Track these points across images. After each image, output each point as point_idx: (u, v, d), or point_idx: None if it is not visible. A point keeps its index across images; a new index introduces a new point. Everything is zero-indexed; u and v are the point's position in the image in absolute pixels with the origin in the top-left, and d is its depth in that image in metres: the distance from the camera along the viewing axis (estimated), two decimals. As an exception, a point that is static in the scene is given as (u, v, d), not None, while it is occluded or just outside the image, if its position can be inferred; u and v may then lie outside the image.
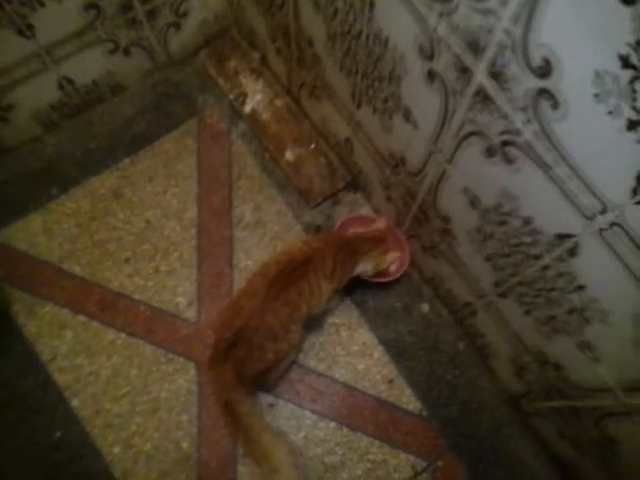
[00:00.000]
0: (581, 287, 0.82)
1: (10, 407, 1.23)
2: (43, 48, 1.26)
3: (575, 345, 0.91)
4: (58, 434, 1.23)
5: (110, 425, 1.24)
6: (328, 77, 1.24)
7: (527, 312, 1.01)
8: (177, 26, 1.46)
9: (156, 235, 1.37)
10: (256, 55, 1.56)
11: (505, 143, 0.77)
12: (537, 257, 0.88)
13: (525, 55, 0.64)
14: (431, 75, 0.86)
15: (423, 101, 0.93)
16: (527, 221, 0.84)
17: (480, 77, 0.74)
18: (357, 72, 1.10)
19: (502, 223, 0.92)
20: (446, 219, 1.10)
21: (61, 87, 1.37)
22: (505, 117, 0.74)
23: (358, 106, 1.18)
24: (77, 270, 1.35)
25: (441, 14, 0.74)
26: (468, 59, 0.76)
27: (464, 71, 0.78)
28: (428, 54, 0.84)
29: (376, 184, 1.33)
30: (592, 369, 0.90)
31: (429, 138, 0.97)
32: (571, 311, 0.87)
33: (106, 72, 1.43)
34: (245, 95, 1.53)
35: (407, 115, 1.01)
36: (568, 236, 0.77)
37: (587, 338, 0.87)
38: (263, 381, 1.21)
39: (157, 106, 1.50)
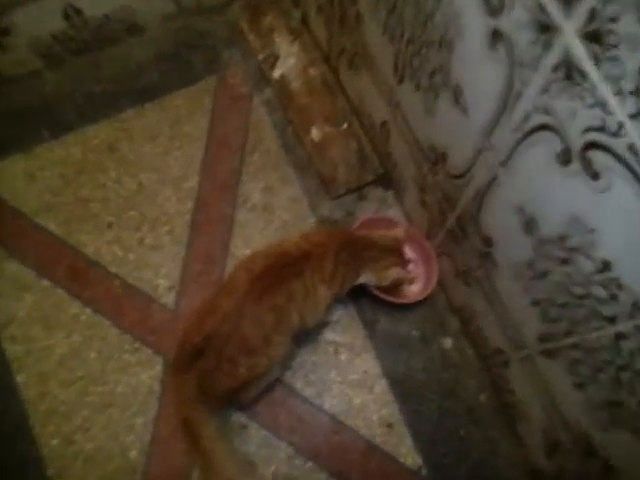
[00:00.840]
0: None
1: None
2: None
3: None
4: (-5, 411, 1.06)
5: (54, 412, 1.07)
6: (370, 42, 1.01)
7: (579, 386, 0.74)
8: (212, -35, 1.25)
9: (147, 202, 1.21)
10: (297, 14, 1.35)
11: (591, 145, 0.52)
12: (611, 320, 0.61)
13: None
14: (496, 37, 0.60)
15: (479, 76, 0.67)
16: (605, 266, 0.60)
17: (569, 39, 0.50)
18: (402, 35, 0.86)
19: (565, 262, 0.66)
20: (488, 241, 0.85)
21: (67, 16, 1.20)
22: (601, 104, 0.50)
23: (400, 80, 0.94)
24: (52, 227, 1.18)
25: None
26: (554, 10, 0.49)
27: (545, 30, 0.52)
28: (495, 5, 0.58)
29: (410, 183, 1.10)
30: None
31: (480, 129, 0.72)
32: (647, 406, 0.60)
33: (121, 7, 1.24)
34: (276, 57, 1.31)
35: (457, 95, 0.75)
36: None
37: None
38: (234, 400, 1.02)
39: (175, 55, 1.34)
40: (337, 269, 0.95)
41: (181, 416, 0.95)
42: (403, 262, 1.04)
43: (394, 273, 1.01)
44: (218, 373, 0.90)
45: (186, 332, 0.95)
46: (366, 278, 1.03)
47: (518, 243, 0.75)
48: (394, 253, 1.02)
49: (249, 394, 1.02)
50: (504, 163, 0.70)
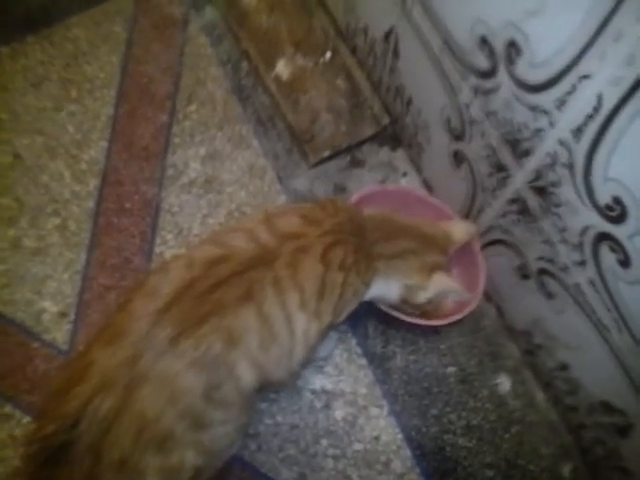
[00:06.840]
0: None
1: None
2: None
3: None
4: None
5: None
6: None
7: None
8: None
9: (27, 181, 0.95)
10: None
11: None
12: None
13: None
14: None
15: None
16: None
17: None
18: None
19: None
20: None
21: None
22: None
23: None
24: None
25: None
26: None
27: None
28: None
29: (436, 128, 0.77)
30: None
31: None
32: None
33: None
34: (222, -41, 1.04)
35: None
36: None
37: None
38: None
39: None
40: (328, 280, 0.60)
41: None
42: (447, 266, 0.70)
43: (443, 283, 0.66)
44: None
45: (39, 415, 0.58)
46: (382, 290, 0.67)
47: None
48: (439, 250, 0.68)
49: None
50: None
